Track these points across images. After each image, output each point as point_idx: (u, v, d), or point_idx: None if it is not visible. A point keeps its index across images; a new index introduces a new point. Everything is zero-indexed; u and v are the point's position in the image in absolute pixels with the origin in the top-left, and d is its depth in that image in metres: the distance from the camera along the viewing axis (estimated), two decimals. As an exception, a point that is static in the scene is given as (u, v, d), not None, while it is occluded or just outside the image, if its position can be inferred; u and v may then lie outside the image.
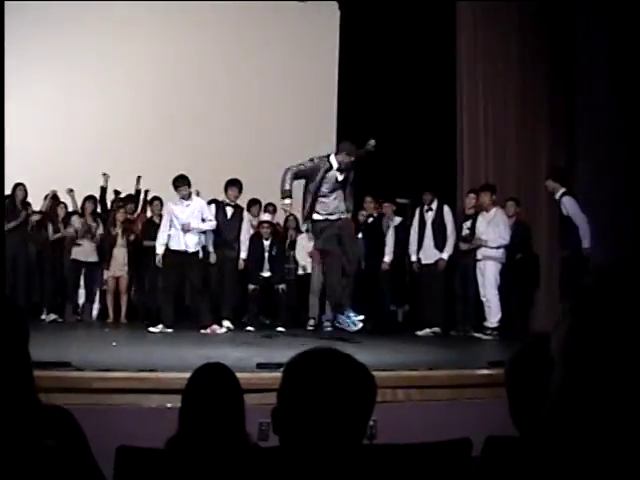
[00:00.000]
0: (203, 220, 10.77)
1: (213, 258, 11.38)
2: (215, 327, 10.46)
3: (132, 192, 12.86)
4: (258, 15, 14.70)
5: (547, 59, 12.09)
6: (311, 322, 11.69)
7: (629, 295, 0.92)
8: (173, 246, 10.55)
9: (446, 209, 11.21)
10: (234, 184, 11.31)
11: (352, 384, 1.90)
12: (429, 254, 11.15)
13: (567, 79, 11.73)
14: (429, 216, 11.21)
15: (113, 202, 12.61)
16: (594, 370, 0.92)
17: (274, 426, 1.94)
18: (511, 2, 12.27)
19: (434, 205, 11.22)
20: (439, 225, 11.12)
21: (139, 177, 12.88)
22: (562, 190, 10.28)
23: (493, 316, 10.61)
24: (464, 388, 6.37)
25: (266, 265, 11.68)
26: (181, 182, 10.61)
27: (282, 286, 11.72)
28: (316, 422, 1.85)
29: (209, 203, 11.53)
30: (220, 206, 11.38)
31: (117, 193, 12.71)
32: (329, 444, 1.86)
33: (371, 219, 12.00)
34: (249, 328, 11.09)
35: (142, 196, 12.89)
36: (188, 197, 10.68)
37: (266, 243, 11.68)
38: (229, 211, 11.35)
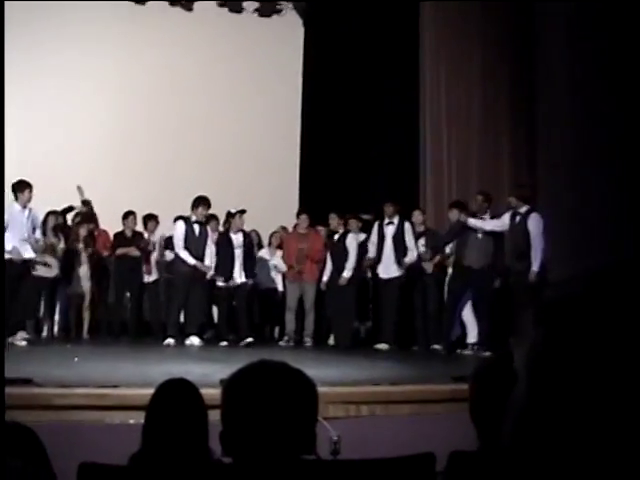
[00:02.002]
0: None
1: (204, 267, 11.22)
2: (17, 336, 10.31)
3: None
4: (223, 31, 14.77)
5: (509, 75, 12.24)
6: (286, 338, 11.66)
7: (593, 309, 0.93)
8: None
9: (407, 225, 11.15)
10: (205, 202, 11.20)
11: (289, 391, 1.90)
12: (388, 269, 11.12)
13: (528, 93, 11.86)
14: (389, 230, 11.17)
15: (74, 217, 12.44)
16: (558, 384, 0.93)
17: (224, 449, 1.93)
18: (473, 19, 12.40)
19: (395, 220, 11.19)
20: (399, 240, 11.07)
21: (79, 187, 12.41)
22: (526, 207, 10.26)
23: (472, 330, 10.67)
24: (428, 403, 6.39)
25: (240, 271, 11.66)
26: (21, 187, 10.44)
27: (250, 281, 11.76)
28: (263, 435, 1.85)
29: (176, 220, 11.54)
30: (189, 223, 11.27)
31: (71, 208, 12.45)
32: (281, 455, 1.86)
33: (336, 236, 11.74)
34: (223, 343, 11.10)
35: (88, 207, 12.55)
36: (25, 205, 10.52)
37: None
38: (196, 228, 11.26)
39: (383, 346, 10.83)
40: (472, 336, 10.66)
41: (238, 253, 11.56)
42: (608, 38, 9.95)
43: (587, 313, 0.93)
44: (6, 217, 10.37)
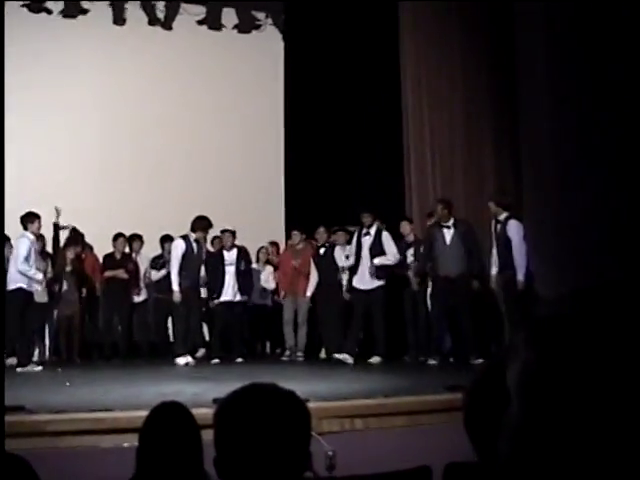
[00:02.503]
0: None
1: (177, 297, 11.05)
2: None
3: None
4: (203, 49, 14.80)
5: (491, 88, 12.29)
6: (287, 353, 11.64)
7: (586, 328, 0.92)
8: None
9: (385, 235, 10.96)
10: (206, 221, 11.11)
11: (281, 413, 1.90)
12: (365, 280, 10.97)
13: (510, 96, 11.90)
14: (366, 240, 10.97)
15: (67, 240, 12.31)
16: (553, 405, 0.92)
17: (219, 474, 1.92)
18: (453, 26, 12.46)
19: (372, 230, 10.99)
20: (376, 251, 10.89)
21: (57, 208, 11.78)
22: (505, 214, 10.08)
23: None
24: (422, 414, 6.38)
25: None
26: (30, 218, 10.62)
27: (246, 297, 11.72)
28: (257, 459, 1.84)
29: (164, 239, 11.54)
30: (188, 242, 11.16)
31: (56, 225, 12.17)
32: (277, 476, 1.85)
33: (323, 249, 11.73)
34: (214, 361, 11.07)
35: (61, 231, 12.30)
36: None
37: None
38: (195, 247, 11.16)
39: (376, 359, 10.78)
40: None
41: (230, 270, 11.49)
42: (591, 54, 10.00)
43: (580, 332, 0.92)
44: (28, 246, 10.57)
